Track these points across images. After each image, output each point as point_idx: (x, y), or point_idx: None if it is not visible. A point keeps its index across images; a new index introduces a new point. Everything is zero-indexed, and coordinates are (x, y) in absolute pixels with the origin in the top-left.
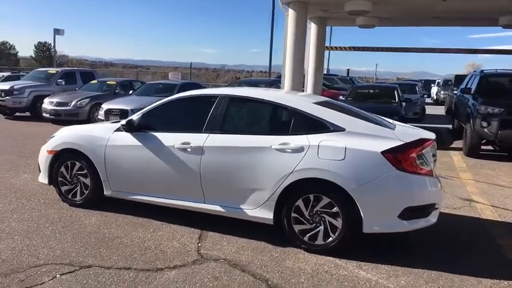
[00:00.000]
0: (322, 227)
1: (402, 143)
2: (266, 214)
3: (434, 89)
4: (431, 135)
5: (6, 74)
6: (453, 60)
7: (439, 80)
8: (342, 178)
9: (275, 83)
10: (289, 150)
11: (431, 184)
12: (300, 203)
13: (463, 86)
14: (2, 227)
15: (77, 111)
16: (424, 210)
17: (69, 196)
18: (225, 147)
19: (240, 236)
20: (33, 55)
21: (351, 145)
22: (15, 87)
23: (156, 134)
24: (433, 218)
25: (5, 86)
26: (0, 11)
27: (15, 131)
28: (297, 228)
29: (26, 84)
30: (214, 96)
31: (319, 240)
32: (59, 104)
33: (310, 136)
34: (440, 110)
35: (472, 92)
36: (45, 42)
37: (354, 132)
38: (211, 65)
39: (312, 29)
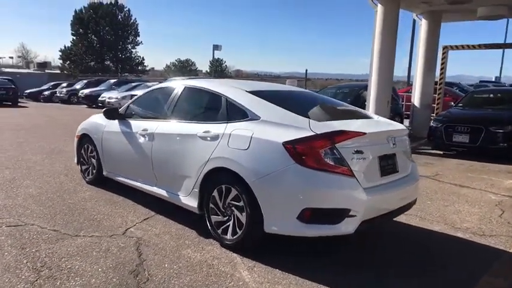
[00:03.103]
0: (231, 221)
1: (309, 134)
2: (192, 202)
3: None
4: (367, 129)
5: (155, 83)
6: None
7: None
8: (244, 169)
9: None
10: (209, 138)
11: (344, 185)
12: (215, 193)
13: None
14: (21, 191)
15: None
16: (330, 215)
17: (85, 174)
18: (167, 134)
19: (183, 223)
20: (208, 70)
21: (257, 134)
22: None
23: (131, 121)
24: (347, 227)
25: (138, 92)
26: (185, 33)
27: None
28: (213, 219)
29: None
30: (174, 87)
31: (229, 235)
32: None
33: (229, 124)
34: None
35: None
36: (218, 58)
37: (267, 121)
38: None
39: (423, 25)
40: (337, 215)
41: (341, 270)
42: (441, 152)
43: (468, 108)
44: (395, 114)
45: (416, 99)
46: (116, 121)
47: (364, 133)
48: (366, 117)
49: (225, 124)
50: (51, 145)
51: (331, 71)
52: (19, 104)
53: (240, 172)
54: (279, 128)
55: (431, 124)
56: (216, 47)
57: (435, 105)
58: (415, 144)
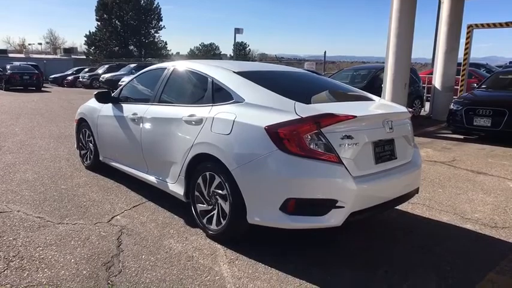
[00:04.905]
0: (216, 211)
1: (293, 117)
2: (179, 189)
3: None
4: (360, 112)
5: None
6: None
7: None
8: (225, 155)
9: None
10: (193, 122)
11: (331, 174)
12: (200, 180)
13: None
14: (17, 176)
15: None
16: (315, 206)
17: (84, 159)
18: (155, 118)
19: (173, 211)
20: (232, 54)
21: (240, 118)
22: None
23: (123, 105)
24: (334, 219)
25: None
26: (210, 17)
27: None
28: (198, 208)
29: None
30: (164, 68)
31: (213, 225)
32: None
33: (213, 107)
34: None
35: None
36: (241, 42)
37: (251, 104)
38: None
39: (445, 3)
40: (323, 206)
41: (331, 263)
42: (462, 137)
43: (492, 90)
44: (416, 97)
45: (437, 81)
46: (110, 105)
47: (355, 116)
48: (365, 99)
49: (210, 107)
50: (61, 130)
51: (359, 53)
52: (43, 89)
53: (222, 158)
54: (262, 111)
55: (451, 107)
56: (237, 30)
57: (458, 87)
58: (435, 128)
